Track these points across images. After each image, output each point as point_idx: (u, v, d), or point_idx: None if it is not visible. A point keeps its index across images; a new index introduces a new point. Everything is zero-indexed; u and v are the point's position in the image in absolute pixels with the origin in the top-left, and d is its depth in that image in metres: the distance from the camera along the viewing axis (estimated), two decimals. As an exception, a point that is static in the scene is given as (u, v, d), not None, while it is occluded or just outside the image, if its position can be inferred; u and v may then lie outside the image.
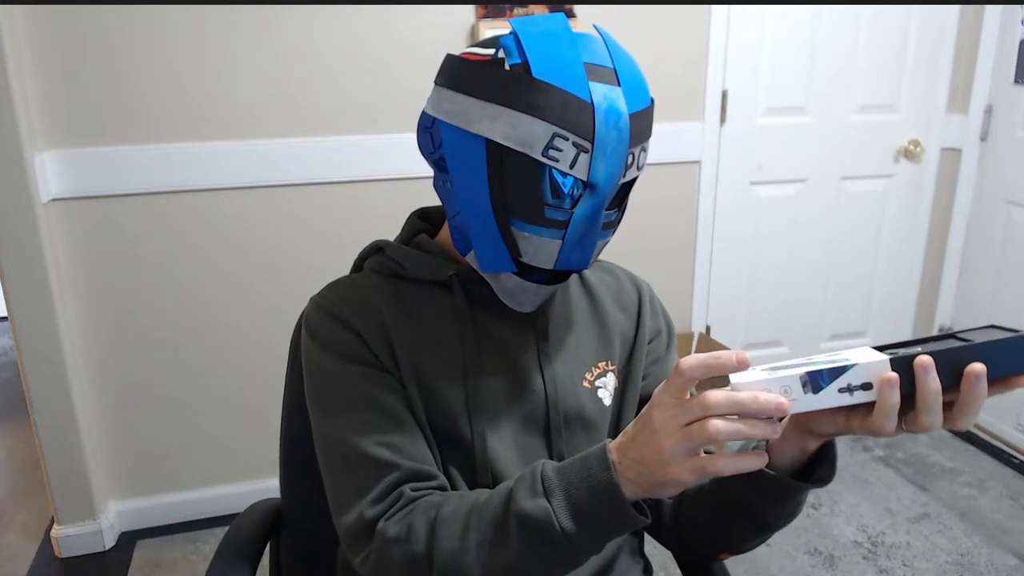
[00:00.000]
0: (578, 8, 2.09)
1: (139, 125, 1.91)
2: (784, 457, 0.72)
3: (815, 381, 0.59)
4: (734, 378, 0.60)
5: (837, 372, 0.59)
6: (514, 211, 0.77)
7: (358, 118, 2.05)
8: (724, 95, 2.36)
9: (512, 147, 0.73)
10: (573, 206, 0.76)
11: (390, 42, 2.00)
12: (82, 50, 1.83)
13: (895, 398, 0.58)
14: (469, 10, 2.01)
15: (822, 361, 0.61)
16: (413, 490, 0.77)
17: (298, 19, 1.94)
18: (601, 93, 0.73)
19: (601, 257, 1.03)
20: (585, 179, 0.73)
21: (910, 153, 2.60)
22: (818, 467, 0.73)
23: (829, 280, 2.66)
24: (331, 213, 2.10)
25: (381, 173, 2.09)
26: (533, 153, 0.73)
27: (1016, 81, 2.43)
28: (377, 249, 0.93)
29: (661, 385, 0.64)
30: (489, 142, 0.74)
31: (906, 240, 2.72)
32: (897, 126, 2.58)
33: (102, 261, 1.97)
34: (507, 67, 0.73)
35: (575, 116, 0.72)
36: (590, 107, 0.72)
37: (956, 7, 2.50)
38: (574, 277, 0.96)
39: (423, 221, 0.95)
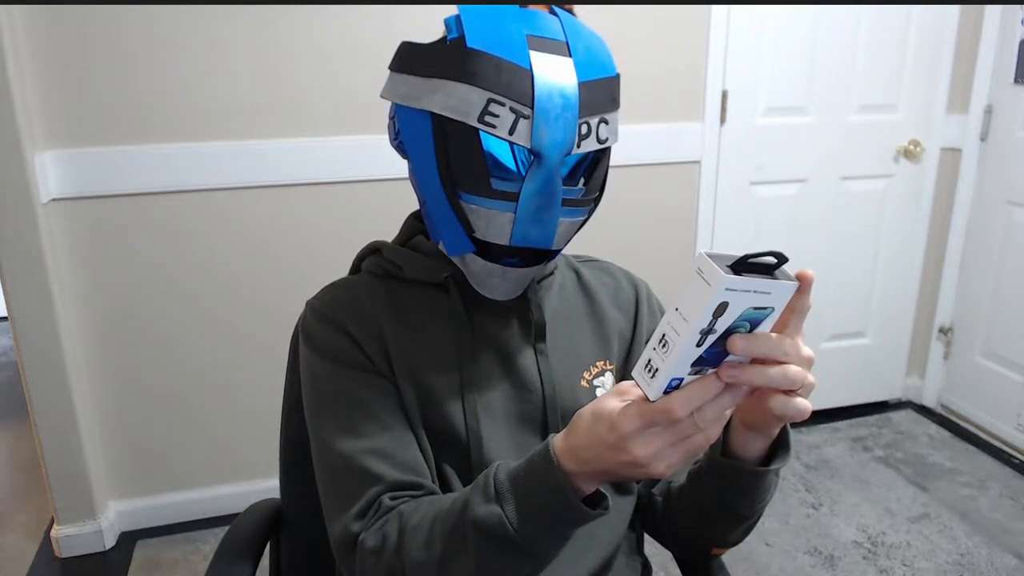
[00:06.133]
0: (578, 8, 2.09)
1: (139, 125, 1.91)
2: (749, 452, 0.73)
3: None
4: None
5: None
6: (460, 183, 0.77)
7: (358, 118, 2.05)
8: (724, 95, 2.36)
9: (449, 116, 0.74)
10: (524, 179, 0.76)
11: (390, 42, 1.99)
12: (82, 50, 1.83)
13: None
14: (469, 10, 2.01)
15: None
16: (392, 499, 0.77)
17: (298, 19, 1.94)
18: (543, 61, 0.74)
19: (599, 256, 1.03)
20: (528, 146, 0.74)
21: (910, 153, 2.60)
22: (775, 452, 0.74)
23: (829, 280, 2.66)
24: (331, 213, 2.10)
25: (381, 173, 2.09)
26: (469, 120, 0.73)
27: (1016, 81, 2.43)
28: (374, 250, 0.93)
29: (628, 405, 0.61)
30: (433, 116, 0.76)
31: (906, 240, 2.72)
32: (897, 126, 2.58)
33: (102, 261, 1.97)
34: (447, 43, 0.75)
35: (510, 81, 0.73)
36: (528, 73, 0.73)
37: (956, 7, 2.50)
38: (571, 276, 0.96)
39: (421, 223, 0.95)
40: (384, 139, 2.06)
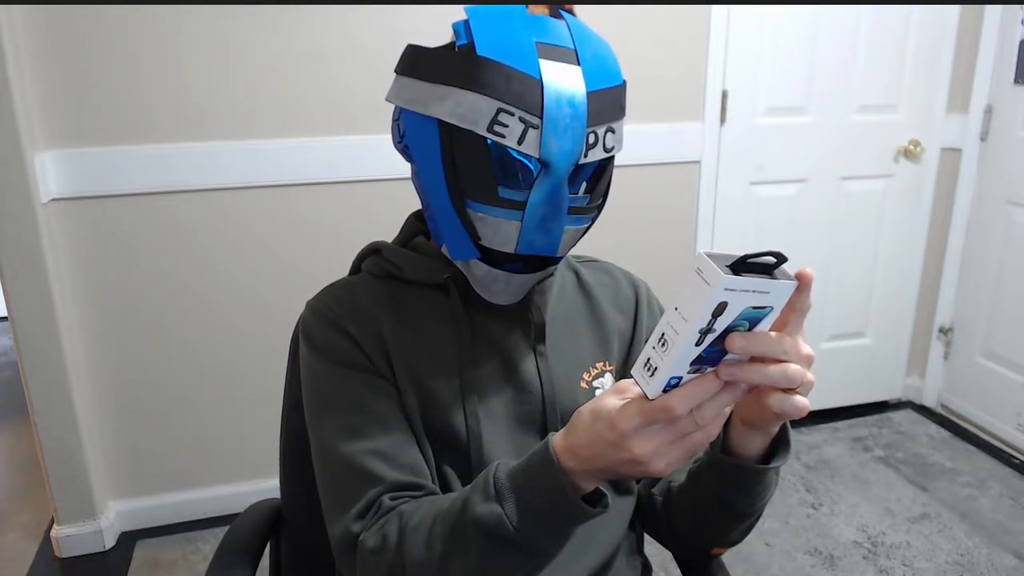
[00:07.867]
0: (578, 8, 2.09)
1: (139, 125, 1.91)
2: (749, 450, 0.73)
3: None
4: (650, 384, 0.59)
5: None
6: (468, 191, 0.77)
7: (358, 118, 2.05)
8: (724, 95, 2.36)
9: (458, 124, 0.74)
10: (531, 187, 0.76)
11: (390, 42, 2.00)
12: (82, 50, 1.83)
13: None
14: (469, 10, 2.01)
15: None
16: (392, 499, 0.77)
17: (298, 19, 1.94)
18: (552, 70, 0.73)
19: (599, 257, 1.03)
20: (537, 155, 0.73)
21: (910, 153, 2.60)
22: (775, 450, 0.74)
23: (829, 280, 2.66)
24: (331, 213, 2.10)
25: (381, 173, 2.09)
26: (478, 129, 0.73)
27: (1016, 81, 2.43)
28: (374, 251, 0.93)
29: (627, 403, 0.61)
30: (441, 123, 0.75)
31: (906, 240, 2.72)
32: (897, 126, 2.58)
33: (102, 261, 1.97)
34: (456, 49, 0.75)
35: (520, 91, 0.72)
36: (538, 82, 0.73)
37: (956, 7, 2.50)
38: (570, 277, 0.96)
39: (421, 223, 0.95)
40: (384, 139, 2.06)
